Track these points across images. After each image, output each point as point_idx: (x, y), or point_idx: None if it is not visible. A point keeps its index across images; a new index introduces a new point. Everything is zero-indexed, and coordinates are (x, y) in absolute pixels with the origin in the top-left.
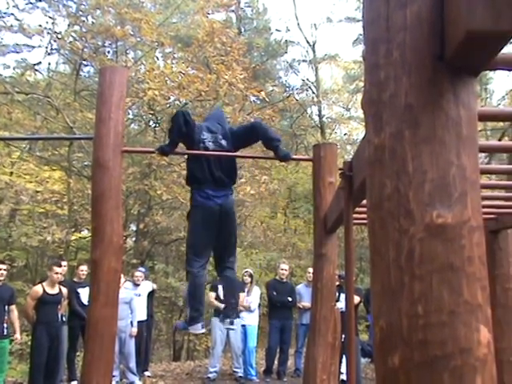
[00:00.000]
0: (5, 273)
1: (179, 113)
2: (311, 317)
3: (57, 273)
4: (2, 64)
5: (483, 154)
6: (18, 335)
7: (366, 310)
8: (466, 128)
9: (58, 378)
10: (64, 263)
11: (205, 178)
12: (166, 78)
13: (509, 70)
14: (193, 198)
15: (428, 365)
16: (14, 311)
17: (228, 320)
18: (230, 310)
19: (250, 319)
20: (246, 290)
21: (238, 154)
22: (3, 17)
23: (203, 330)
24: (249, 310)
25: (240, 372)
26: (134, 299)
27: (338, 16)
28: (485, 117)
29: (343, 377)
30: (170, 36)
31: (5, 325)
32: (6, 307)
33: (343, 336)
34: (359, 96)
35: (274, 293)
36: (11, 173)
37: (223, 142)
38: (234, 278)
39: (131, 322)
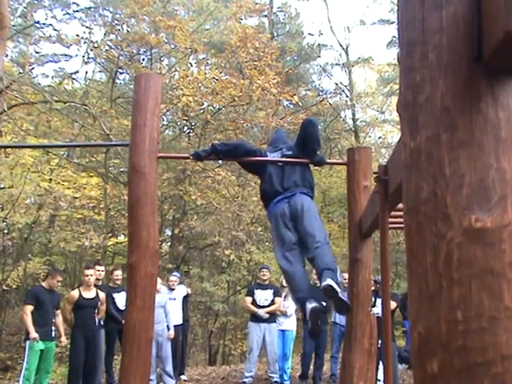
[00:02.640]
0: (58, 284)
1: (243, 143)
2: (347, 322)
3: (87, 275)
4: (41, 73)
5: None
6: (63, 338)
7: (403, 315)
8: (505, 130)
9: (96, 381)
10: (101, 268)
11: (274, 192)
12: (200, 84)
13: None
14: (268, 210)
15: (468, 371)
16: (60, 315)
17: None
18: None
19: (288, 324)
20: (284, 294)
21: (269, 158)
22: (42, 27)
23: (312, 304)
24: (285, 314)
25: (276, 377)
26: (168, 303)
27: (371, 18)
28: None
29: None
30: (204, 42)
31: (53, 328)
32: (55, 311)
33: (380, 342)
34: (393, 99)
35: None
36: (50, 179)
37: (289, 153)
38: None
39: (167, 326)
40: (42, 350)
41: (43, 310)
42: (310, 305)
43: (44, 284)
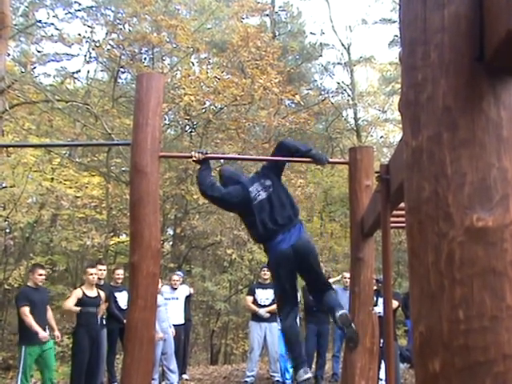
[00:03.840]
0: (43, 278)
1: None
2: None
3: (91, 274)
4: (43, 73)
5: None
6: (57, 332)
7: (405, 314)
8: (506, 129)
9: (98, 380)
10: (103, 267)
11: (271, 232)
12: (202, 84)
13: None
14: (265, 250)
15: (470, 371)
16: (50, 311)
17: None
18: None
19: None
20: None
21: (274, 157)
22: (44, 27)
23: (306, 376)
24: None
25: (277, 376)
26: (168, 303)
27: (373, 17)
28: None
29: (382, 383)
30: (205, 42)
31: (47, 327)
32: (46, 308)
33: (381, 341)
34: (395, 98)
35: (311, 297)
36: (52, 179)
37: (267, 182)
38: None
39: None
40: (39, 355)
41: (36, 310)
42: (306, 374)
43: (30, 283)
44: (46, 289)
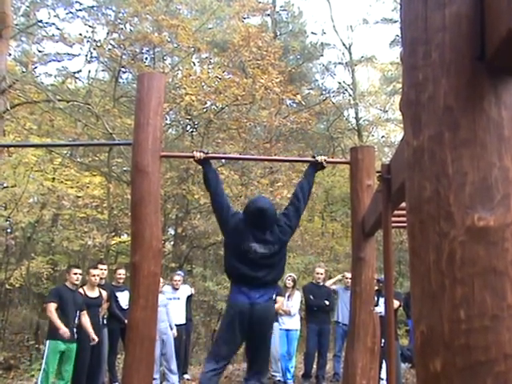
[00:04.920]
0: (80, 277)
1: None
2: (350, 321)
3: (94, 275)
4: (44, 72)
5: None
6: (94, 336)
7: (406, 314)
8: (508, 129)
9: (99, 380)
10: (104, 266)
11: (243, 274)
12: (203, 83)
13: None
14: (230, 291)
15: (471, 370)
16: (85, 315)
17: None
18: None
19: (291, 324)
20: (287, 294)
21: (272, 157)
22: (45, 26)
23: None
24: (289, 314)
25: (279, 376)
26: (170, 302)
27: (374, 17)
28: None
29: (383, 383)
30: (206, 41)
31: (75, 329)
32: (78, 312)
33: (383, 341)
34: (397, 98)
35: (311, 297)
36: (53, 179)
37: (273, 238)
38: None
39: (170, 325)
40: (62, 352)
41: (65, 309)
42: None
43: (67, 283)
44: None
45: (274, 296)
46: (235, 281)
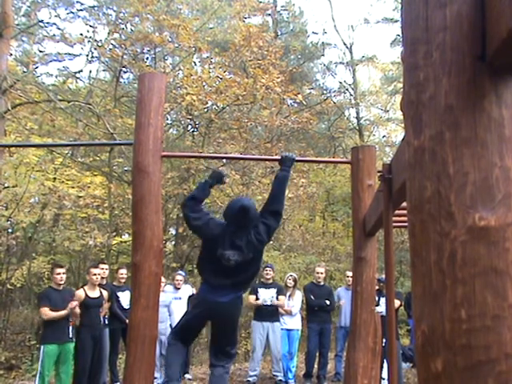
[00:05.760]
0: (64, 276)
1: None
2: (351, 321)
3: (95, 274)
4: (45, 72)
5: None
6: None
7: (407, 314)
8: (508, 128)
9: (100, 380)
10: (105, 266)
11: (214, 277)
12: (204, 83)
13: None
14: (200, 286)
15: (472, 370)
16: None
17: None
18: None
19: (292, 323)
20: (288, 294)
21: (274, 158)
22: (46, 26)
23: None
24: (290, 314)
25: (280, 376)
26: (172, 302)
27: (375, 17)
28: None
29: (384, 382)
30: (207, 41)
31: (70, 328)
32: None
33: (384, 340)
34: (397, 97)
35: (312, 296)
36: (54, 179)
37: (248, 245)
38: (222, 379)
39: (170, 325)
40: (58, 355)
41: (56, 311)
42: None
43: (52, 285)
44: (69, 289)
45: (242, 293)
46: (205, 281)
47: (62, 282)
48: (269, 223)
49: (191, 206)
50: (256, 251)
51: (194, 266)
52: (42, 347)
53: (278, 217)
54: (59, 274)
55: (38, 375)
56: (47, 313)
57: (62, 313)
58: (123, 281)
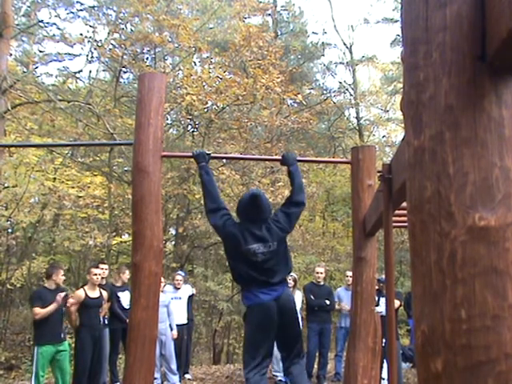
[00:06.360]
0: (63, 278)
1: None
2: (351, 321)
3: (95, 274)
4: (45, 72)
5: None
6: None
7: (407, 314)
8: (508, 128)
9: (100, 381)
10: (105, 266)
11: (252, 279)
12: (204, 83)
13: None
14: (244, 296)
15: (472, 370)
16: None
17: None
18: None
19: None
20: None
21: (273, 158)
22: (46, 26)
23: None
24: None
25: (280, 376)
26: (171, 302)
27: (375, 17)
28: None
29: (384, 382)
30: (207, 41)
31: (64, 328)
32: (63, 310)
33: (384, 340)
34: (397, 97)
35: (312, 296)
36: (54, 179)
37: (271, 236)
38: (302, 375)
39: (170, 325)
40: (53, 356)
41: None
42: None
43: (47, 284)
44: (62, 288)
45: (286, 286)
46: (247, 289)
47: (61, 283)
48: (289, 211)
49: (207, 201)
50: (279, 239)
51: (194, 265)
52: (35, 348)
53: (301, 206)
54: (64, 275)
55: (33, 376)
56: (37, 311)
57: (51, 307)
58: (127, 281)
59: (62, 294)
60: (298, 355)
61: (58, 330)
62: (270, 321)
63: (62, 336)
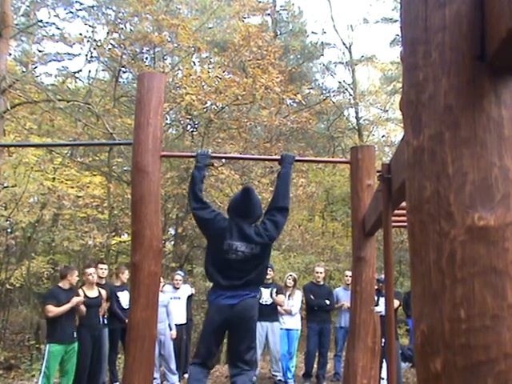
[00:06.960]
0: (77, 279)
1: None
2: (350, 321)
3: (90, 274)
4: (44, 72)
5: None
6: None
7: (406, 313)
8: (508, 128)
9: (100, 380)
10: (104, 266)
11: (221, 277)
12: (203, 83)
13: None
14: (211, 290)
15: (471, 370)
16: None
17: None
18: None
19: (292, 323)
20: (288, 293)
21: (272, 158)
22: (45, 26)
23: None
24: (290, 314)
25: (279, 376)
26: (170, 302)
27: (374, 17)
28: None
29: (384, 382)
30: (207, 41)
31: (74, 330)
32: (75, 313)
33: (383, 340)
34: (397, 97)
35: (311, 296)
36: (53, 178)
37: (258, 239)
38: None
39: (169, 325)
40: (63, 355)
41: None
42: None
43: (61, 284)
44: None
45: (256, 295)
46: (214, 284)
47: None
48: (276, 219)
49: (193, 198)
50: (265, 246)
51: (194, 265)
52: (47, 346)
53: (285, 212)
54: (77, 275)
55: (41, 375)
56: (51, 309)
57: (67, 306)
58: (126, 281)
59: (81, 300)
60: (246, 365)
61: (70, 330)
62: (219, 325)
63: (74, 335)
